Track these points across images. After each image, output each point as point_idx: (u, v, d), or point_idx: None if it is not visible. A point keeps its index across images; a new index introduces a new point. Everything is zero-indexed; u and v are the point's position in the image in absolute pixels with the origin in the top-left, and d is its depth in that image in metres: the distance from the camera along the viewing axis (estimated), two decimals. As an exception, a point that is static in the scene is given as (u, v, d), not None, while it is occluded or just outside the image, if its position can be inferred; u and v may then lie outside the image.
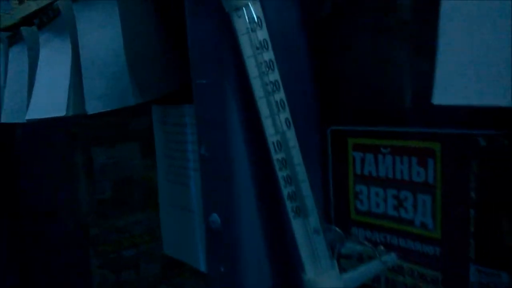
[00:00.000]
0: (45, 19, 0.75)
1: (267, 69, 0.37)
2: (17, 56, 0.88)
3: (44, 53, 0.78)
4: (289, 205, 0.39)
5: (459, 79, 0.26)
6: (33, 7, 0.88)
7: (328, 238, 0.45)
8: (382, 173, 0.43)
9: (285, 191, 0.38)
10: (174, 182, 0.70)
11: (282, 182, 0.38)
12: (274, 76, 0.38)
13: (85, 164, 1.30)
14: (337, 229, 0.45)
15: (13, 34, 0.88)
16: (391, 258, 0.43)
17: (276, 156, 0.38)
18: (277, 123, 0.38)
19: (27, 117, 0.77)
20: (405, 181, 0.42)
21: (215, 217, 0.41)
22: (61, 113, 0.69)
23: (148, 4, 0.61)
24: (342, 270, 0.47)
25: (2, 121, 0.92)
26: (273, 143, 0.38)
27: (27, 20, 0.90)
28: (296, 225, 0.39)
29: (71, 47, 0.68)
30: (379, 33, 0.44)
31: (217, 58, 0.40)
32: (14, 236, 1.38)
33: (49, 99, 0.72)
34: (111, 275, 1.31)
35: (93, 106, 0.63)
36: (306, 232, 0.39)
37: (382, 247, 0.43)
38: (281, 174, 0.38)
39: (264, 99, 0.37)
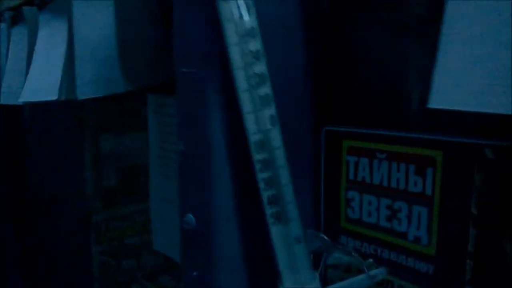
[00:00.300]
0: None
1: (253, 59, 0.34)
2: (19, 37, 0.86)
3: (42, 34, 0.75)
4: (268, 210, 0.35)
5: (458, 83, 0.23)
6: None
7: (315, 246, 0.41)
8: (377, 180, 0.40)
9: (265, 194, 0.35)
10: (166, 176, 0.67)
11: (262, 185, 0.35)
12: (260, 68, 0.34)
13: (92, 151, 1.29)
14: (325, 237, 0.41)
15: (16, 14, 0.86)
16: (380, 272, 0.39)
17: (257, 156, 0.35)
18: (260, 120, 0.34)
19: (20, 99, 0.75)
20: (400, 190, 0.38)
21: (189, 218, 0.38)
22: (53, 96, 0.67)
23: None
24: (329, 280, 0.44)
25: (1, 102, 0.91)
26: (255, 142, 0.35)
27: (31, 1, 0.88)
28: (275, 232, 0.36)
29: (68, 30, 0.65)
30: (383, 30, 0.41)
31: (202, 47, 0.36)
32: (20, 220, 1.38)
33: (43, 82, 0.70)
34: (112, 262, 1.30)
35: (83, 91, 0.61)
36: (285, 240, 0.36)
37: (371, 260, 0.40)
38: (261, 176, 0.35)
39: (247, 93, 0.34)
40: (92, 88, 0.59)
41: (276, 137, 0.35)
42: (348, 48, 0.42)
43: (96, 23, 0.58)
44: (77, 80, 0.62)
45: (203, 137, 0.37)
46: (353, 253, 0.41)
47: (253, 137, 0.34)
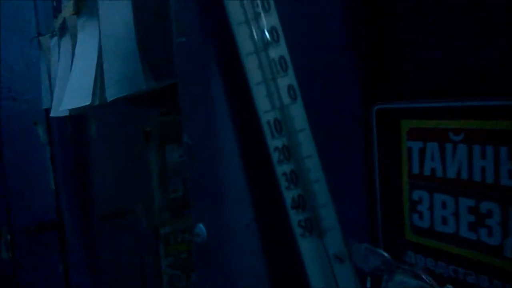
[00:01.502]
0: (79, 2, 0.70)
1: (260, 10, 0.25)
2: (66, 48, 0.85)
3: (79, 41, 0.72)
4: (294, 216, 0.26)
5: None
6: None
7: (371, 266, 0.31)
8: (452, 172, 0.28)
9: (288, 195, 0.25)
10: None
11: (282, 182, 0.25)
12: (271, 20, 0.25)
13: (159, 163, 1.27)
14: (384, 253, 0.31)
15: (62, 26, 0.85)
16: (465, 304, 0.27)
17: (274, 142, 0.25)
18: (273, 92, 0.25)
19: (60, 108, 0.72)
20: (488, 185, 0.26)
21: (200, 228, 0.30)
22: (87, 101, 0.62)
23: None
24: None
25: (51, 115, 0.90)
26: (268, 123, 0.25)
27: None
28: (306, 247, 0.26)
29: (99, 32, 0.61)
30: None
31: (199, 12, 0.28)
32: (87, 234, 1.40)
33: (79, 88, 0.66)
34: (181, 275, 1.27)
35: (111, 92, 0.55)
36: (320, 257, 0.26)
37: (450, 286, 0.28)
38: (281, 169, 0.25)
39: (253, 56, 0.25)
40: (119, 87, 0.54)
41: (298, 115, 0.25)
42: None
43: (119, 21, 0.53)
44: (106, 81, 0.57)
45: (208, 122, 0.28)
46: (423, 276, 0.29)
47: (266, 116, 0.25)
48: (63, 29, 0.85)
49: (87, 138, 1.39)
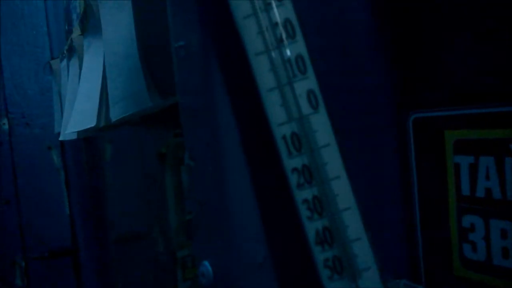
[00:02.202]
0: (84, 22, 0.67)
1: (271, 0, 0.20)
2: (74, 68, 0.82)
3: (86, 60, 0.69)
4: (319, 255, 0.20)
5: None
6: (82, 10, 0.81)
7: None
8: (514, 193, 0.23)
9: (311, 227, 0.20)
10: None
11: (304, 211, 0.20)
12: (284, 12, 0.20)
13: (174, 184, 1.24)
14: (429, 293, 0.25)
15: (69, 47, 0.83)
16: None
17: (292, 162, 0.20)
18: (289, 100, 0.20)
19: (67, 131, 0.69)
20: None
21: (206, 267, 0.25)
22: (92, 123, 0.59)
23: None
24: None
25: (60, 139, 0.87)
26: (284, 137, 0.20)
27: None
28: (336, 293, 0.20)
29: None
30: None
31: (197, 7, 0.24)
32: (102, 258, 1.36)
33: (85, 110, 0.63)
34: (200, 300, 1.22)
35: (115, 112, 0.51)
36: (355, 307, 0.20)
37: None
38: (301, 196, 0.20)
39: (263, 56, 0.20)
40: (123, 106, 0.50)
41: (321, 127, 0.20)
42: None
43: (121, 38, 0.49)
44: (110, 100, 0.53)
45: (212, 140, 0.24)
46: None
47: (281, 129, 0.20)
48: (71, 51, 0.83)
49: (102, 162, 1.37)
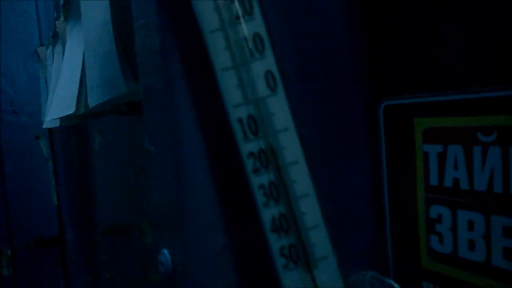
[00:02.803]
0: (67, 7, 0.66)
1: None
2: (58, 55, 0.81)
3: (67, 46, 0.68)
4: (275, 242, 0.20)
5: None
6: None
7: (379, 301, 0.25)
8: (482, 183, 0.22)
9: (266, 214, 0.19)
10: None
11: (259, 197, 0.20)
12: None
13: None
14: (394, 284, 0.25)
15: (54, 33, 0.81)
16: None
17: (247, 146, 0.19)
18: (245, 81, 0.19)
19: (47, 118, 0.67)
20: (530, 199, 0.20)
21: (164, 255, 0.24)
22: (71, 110, 0.58)
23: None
24: None
25: (44, 126, 0.86)
26: (240, 120, 0.19)
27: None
28: (290, 282, 0.20)
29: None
30: None
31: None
32: (90, 250, 1.35)
33: (65, 97, 0.62)
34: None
35: (93, 97, 0.50)
36: (310, 297, 0.20)
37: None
38: (257, 181, 0.19)
39: (219, 34, 0.19)
40: (100, 92, 0.49)
41: (279, 110, 0.20)
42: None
43: (98, 23, 0.48)
44: (88, 86, 0.52)
45: (171, 124, 0.23)
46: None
47: (236, 112, 0.19)
48: (56, 37, 0.81)
49: (91, 152, 1.35)
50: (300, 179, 0.20)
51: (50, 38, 0.86)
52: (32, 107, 1.39)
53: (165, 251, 0.24)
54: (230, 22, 0.19)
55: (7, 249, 1.38)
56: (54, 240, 1.36)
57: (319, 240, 0.19)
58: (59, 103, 0.64)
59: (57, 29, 0.77)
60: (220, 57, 0.19)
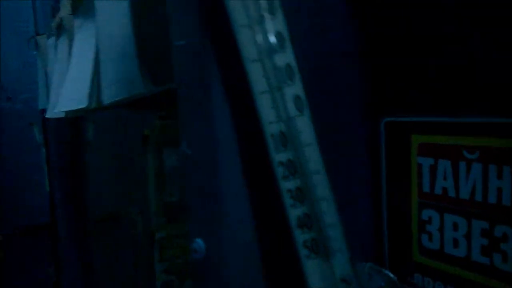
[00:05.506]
0: (76, 2, 0.68)
1: (264, 14, 0.23)
2: (62, 48, 0.83)
3: (76, 41, 0.71)
4: (299, 236, 0.24)
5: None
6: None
7: (375, 287, 0.29)
8: (465, 192, 0.27)
9: (293, 213, 0.24)
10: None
11: (287, 200, 0.24)
12: (277, 25, 0.23)
13: (156, 167, 1.25)
14: (390, 274, 0.29)
15: (59, 25, 0.84)
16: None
17: (279, 156, 0.24)
18: (279, 103, 0.23)
19: (55, 110, 0.70)
20: (504, 207, 0.25)
21: (198, 244, 0.28)
22: (83, 104, 0.61)
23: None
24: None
25: (46, 116, 0.88)
26: (273, 136, 0.24)
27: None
28: (311, 269, 0.24)
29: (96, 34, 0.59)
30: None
31: (198, 13, 0.26)
32: (81, 237, 1.38)
33: (75, 90, 0.65)
34: (175, 281, 1.25)
35: (108, 95, 0.54)
36: (326, 280, 0.24)
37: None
38: (285, 185, 0.24)
39: (257, 64, 0.23)
40: (115, 90, 0.52)
41: (305, 128, 0.24)
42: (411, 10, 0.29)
43: (116, 22, 0.51)
44: (102, 83, 0.55)
45: (208, 131, 0.27)
46: (432, 301, 0.28)
47: (270, 128, 0.23)
48: (60, 29, 0.83)
49: (84, 140, 1.37)
50: (321, 185, 0.24)
51: (54, 29, 0.88)
52: (26, 94, 1.40)
53: (199, 240, 0.28)
54: (267, 54, 0.23)
55: (-3, 234, 1.40)
56: (45, 226, 1.38)
57: (335, 236, 0.24)
58: (69, 96, 0.66)
59: (63, 22, 0.79)
60: (259, 82, 0.23)
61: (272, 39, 0.23)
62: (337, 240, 0.24)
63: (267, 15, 0.23)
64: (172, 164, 1.31)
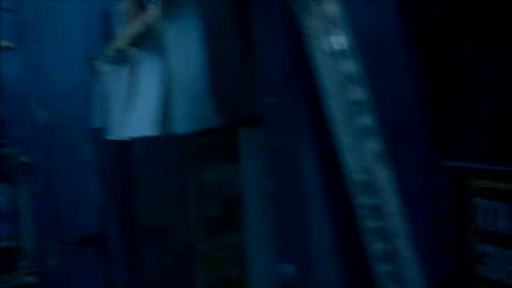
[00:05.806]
0: (143, 38, 0.75)
1: (348, 83, 0.28)
2: (120, 76, 0.90)
3: (141, 72, 0.77)
4: (382, 267, 0.29)
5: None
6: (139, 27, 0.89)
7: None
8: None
9: (375, 248, 0.29)
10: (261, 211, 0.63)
11: (370, 236, 0.29)
12: (357, 93, 0.28)
13: (196, 182, 1.31)
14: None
15: (119, 55, 0.91)
16: None
17: (364, 200, 0.29)
18: (364, 156, 0.28)
19: (125, 135, 0.77)
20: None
21: (287, 267, 0.33)
22: (153, 132, 0.67)
23: (232, 17, 0.55)
24: None
25: (107, 137, 0.95)
26: (359, 183, 0.28)
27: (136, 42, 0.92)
28: (389, 297, 0.29)
29: (162, 67, 0.65)
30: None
31: (288, 74, 0.32)
32: (129, 249, 1.43)
33: (143, 119, 0.71)
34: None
35: (181, 126, 0.60)
36: (402, 307, 0.29)
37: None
38: (368, 224, 0.29)
39: (343, 124, 0.28)
40: (188, 123, 0.58)
41: (387, 178, 0.29)
42: (476, 64, 0.34)
43: (187, 55, 0.57)
44: (175, 115, 0.61)
45: (296, 175, 0.32)
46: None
47: (356, 176, 0.28)
48: (121, 58, 0.90)
49: (133, 156, 1.42)
50: (399, 225, 0.29)
51: (113, 57, 0.95)
52: (78, 112, 1.47)
53: (289, 265, 0.33)
54: (352, 116, 0.28)
55: (55, 244, 1.46)
56: (97, 237, 1.45)
57: (411, 271, 0.28)
58: (139, 125, 0.73)
59: (123, 52, 0.86)
60: (345, 139, 0.28)
61: (358, 103, 0.28)
62: (412, 276, 0.28)
63: (356, 84, 0.28)
64: (212, 179, 1.37)
